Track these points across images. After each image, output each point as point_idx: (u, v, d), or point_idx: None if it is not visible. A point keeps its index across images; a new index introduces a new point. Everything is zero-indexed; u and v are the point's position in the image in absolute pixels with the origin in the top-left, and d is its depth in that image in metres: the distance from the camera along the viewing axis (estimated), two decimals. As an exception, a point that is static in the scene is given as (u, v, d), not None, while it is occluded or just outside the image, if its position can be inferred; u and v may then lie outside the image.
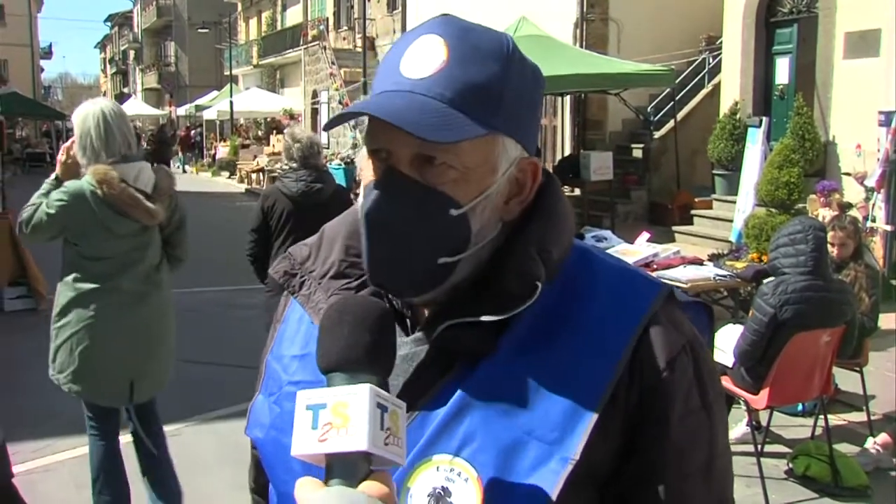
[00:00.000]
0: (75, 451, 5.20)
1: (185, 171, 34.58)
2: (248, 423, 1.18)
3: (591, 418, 0.94)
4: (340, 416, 0.82)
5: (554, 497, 0.92)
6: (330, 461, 0.84)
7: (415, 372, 1.01)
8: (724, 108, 13.17)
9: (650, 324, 1.00)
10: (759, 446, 4.90)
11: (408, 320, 1.07)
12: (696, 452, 1.00)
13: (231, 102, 30.86)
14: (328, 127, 1.08)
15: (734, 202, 11.68)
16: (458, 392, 0.97)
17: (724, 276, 6.57)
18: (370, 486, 0.82)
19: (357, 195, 1.08)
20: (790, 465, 4.97)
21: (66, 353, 3.70)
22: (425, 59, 0.98)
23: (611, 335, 0.99)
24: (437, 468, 0.95)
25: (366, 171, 1.03)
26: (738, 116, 12.61)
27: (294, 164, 5.14)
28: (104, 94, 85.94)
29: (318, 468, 0.85)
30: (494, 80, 0.97)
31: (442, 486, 0.94)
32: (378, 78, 1.03)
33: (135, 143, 3.87)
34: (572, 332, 0.99)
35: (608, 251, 1.24)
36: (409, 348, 1.04)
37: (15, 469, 1.39)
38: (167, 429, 5.05)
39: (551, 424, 0.94)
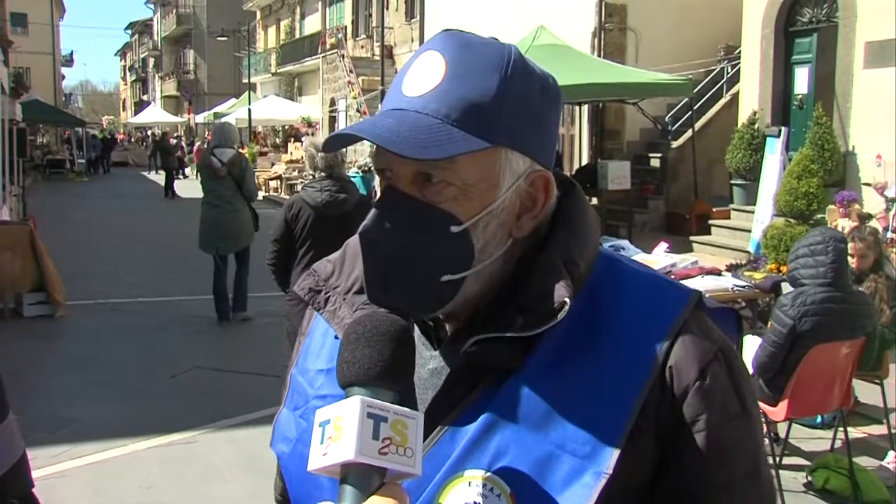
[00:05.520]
0: (92, 458, 5.23)
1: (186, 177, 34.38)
2: (272, 437, 1.18)
3: (624, 431, 0.93)
4: (338, 428, 0.84)
5: None
6: (342, 474, 0.84)
7: (443, 386, 1.00)
8: (743, 117, 13.10)
9: (680, 332, 0.98)
10: (778, 459, 4.85)
11: (433, 334, 1.07)
12: (741, 459, 0.98)
13: (249, 110, 30.99)
14: (326, 149, 1.08)
15: (752, 212, 11.63)
16: (488, 407, 0.96)
17: (743, 287, 6.53)
18: (375, 502, 0.82)
19: None
20: (809, 479, 4.92)
21: (199, 227, 8.74)
22: (425, 76, 0.98)
23: (640, 345, 0.97)
24: (470, 483, 0.94)
25: (379, 190, 1.04)
26: (756, 126, 12.53)
27: (318, 174, 5.15)
28: (123, 102, 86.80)
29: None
30: (493, 92, 0.96)
31: (474, 502, 0.93)
32: (386, 97, 1.04)
33: (231, 140, 8.74)
34: (600, 344, 0.98)
35: (628, 259, 1.23)
36: (437, 362, 1.04)
37: (33, 475, 1.39)
38: (184, 436, 5.71)
39: (583, 438, 0.93)
